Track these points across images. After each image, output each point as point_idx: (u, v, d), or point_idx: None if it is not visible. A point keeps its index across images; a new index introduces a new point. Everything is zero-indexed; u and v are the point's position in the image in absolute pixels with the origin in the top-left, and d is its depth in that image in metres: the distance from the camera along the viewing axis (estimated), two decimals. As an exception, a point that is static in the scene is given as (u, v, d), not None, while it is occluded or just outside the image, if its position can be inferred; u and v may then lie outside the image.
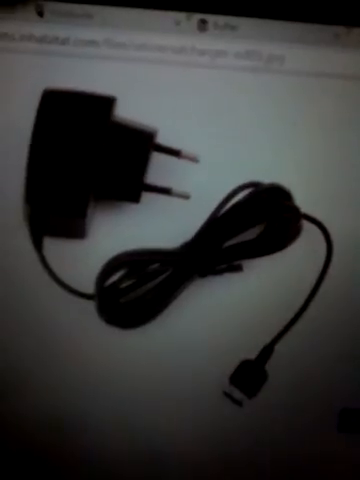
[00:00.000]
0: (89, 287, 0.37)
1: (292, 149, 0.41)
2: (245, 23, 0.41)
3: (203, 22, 0.41)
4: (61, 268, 0.38)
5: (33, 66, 0.41)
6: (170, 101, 0.41)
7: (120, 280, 0.38)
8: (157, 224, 0.40)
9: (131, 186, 0.39)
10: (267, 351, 0.38)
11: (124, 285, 0.38)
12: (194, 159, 0.39)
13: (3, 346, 0.39)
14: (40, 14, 0.41)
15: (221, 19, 0.41)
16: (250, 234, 0.38)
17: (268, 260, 0.38)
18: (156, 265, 0.38)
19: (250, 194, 0.39)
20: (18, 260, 0.39)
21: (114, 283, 0.37)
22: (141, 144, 0.38)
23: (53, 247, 0.39)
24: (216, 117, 0.41)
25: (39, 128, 0.38)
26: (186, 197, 0.39)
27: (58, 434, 0.39)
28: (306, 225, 0.38)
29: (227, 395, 0.38)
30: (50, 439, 0.39)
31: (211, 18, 0.41)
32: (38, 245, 0.38)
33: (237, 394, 0.38)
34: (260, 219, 0.38)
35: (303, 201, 0.38)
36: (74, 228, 0.39)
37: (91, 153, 0.37)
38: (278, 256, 0.38)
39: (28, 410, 0.39)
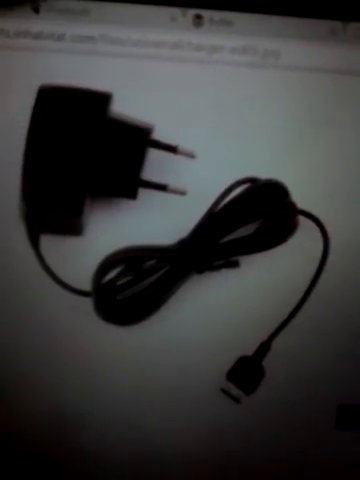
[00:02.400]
0: (86, 284, 0.37)
1: (288, 144, 0.41)
2: (241, 18, 0.41)
3: (199, 17, 0.41)
4: (58, 265, 0.38)
5: (29, 62, 0.41)
6: (166, 97, 0.41)
7: (117, 277, 0.37)
8: (154, 220, 0.40)
9: (127, 182, 0.39)
10: (264, 347, 0.38)
11: (121, 282, 0.38)
12: (190, 155, 0.39)
13: (1, 343, 0.39)
14: (36, 10, 0.41)
15: (217, 14, 0.41)
16: (247, 230, 0.38)
17: (265, 256, 0.38)
18: (153, 262, 0.38)
19: (247, 190, 0.39)
20: (15, 258, 0.39)
21: (111, 280, 0.37)
22: (137, 140, 0.38)
23: (50, 244, 0.39)
24: (212, 112, 0.41)
25: (35, 125, 0.38)
26: (183, 193, 0.39)
27: (56, 433, 0.39)
28: (303, 221, 0.38)
29: (224, 392, 0.38)
30: (49, 437, 0.39)
31: (207, 13, 0.41)
32: (35, 242, 0.38)
33: (234, 390, 0.38)
34: (257, 215, 0.38)
35: (300, 197, 0.38)
36: (71, 225, 0.39)
37: (87, 149, 0.37)
38: (275, 252, 0.38)
39: (26, 408, 0.39)
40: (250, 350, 0.39)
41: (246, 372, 0.38)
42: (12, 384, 0.39)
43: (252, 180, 0.39)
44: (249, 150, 0.41)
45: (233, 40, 0.41)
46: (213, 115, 0.41)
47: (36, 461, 0.39)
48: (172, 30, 0.41)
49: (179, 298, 0.39)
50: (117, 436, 0.39)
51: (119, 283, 0.38)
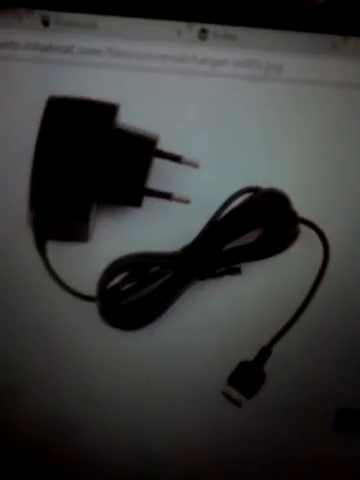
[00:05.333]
0: (91, 290, 0.37)
1: (290, 155, 0.41)
2: (244, 32, 0.41)
3: (203, 31, 0.41)
4: (64, 271, 0.38)
5: (38, 74, 0.41)
6: (171, 108, 0.41)
7: (121, 283, 0.38)
8: (158, 228, 0.40)
9: (133, 191, 0.39)
10: (265, 352, 0.39)
11: (125, 288, 0.38)
12: (194, 165, 0.39)
13: (6, 347, 0.39)
14: (45, 23, 0.41)
15: (221, 29, 0.41)
16: (248, 238, 0.39)
17: (266, 263, 0.39)
18: (157, 268, 0.38)
19: (249, 199, 0.39)
20: (21, 263, 0.40)
21: (116, 286, 0.38)
22: (143, 150, 0.39)
23: (56, 250, 0.39)
24: (216, 124, 0.42)
25: (44, 134, 0.38)
26: (186, 202, 0.39)
27: (58, 435, 0.39)
28: (303, 229, 0.39)
29: (226, 396, 0.38)
30: (50, 440, 0.39)
31: (211, 28, 0.41)
32: (41, 248, 0.39)
33: (236, 395, 0.38)
34: (258, 223, 0.39)
35: (301, 206, 0.39)
36: (77, 232, 0.39)
37: (94, 159, 0.38)
38: (276, 259, 0.38)
39: (29, 412, 0.39)
40: (251, 355, 0.39)
41: (247, 376, 0.39)
42: (15, 388, 0.39)
43: (254, 189, 0.39)
44: (251, 160, 0.41)
45: (237, 53, 0.42)
46: (216, 126, 0.42)
47: (37, 465, 0.39)
48: (177, 43, 0.41)
49: (182, 304, 0.39)
50: (118, 439, 0.39)
51: (123, 289, 0.38)
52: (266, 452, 0.39)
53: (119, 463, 0.39)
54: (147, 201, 0.39)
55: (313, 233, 0.39)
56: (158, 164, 0.40)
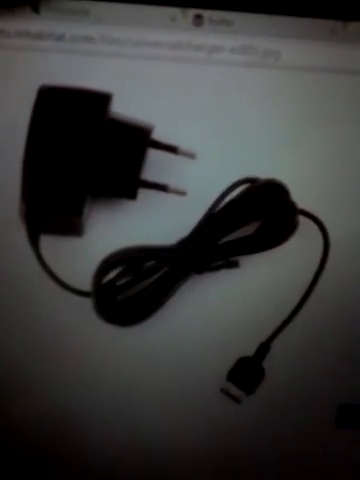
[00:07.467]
0: (86, 284, 0.37)
1: (288, 144, 0.41)
2: (241, 18, 0.41)
3: (198, 17, 0.41)
4: (58, 266, 0.38)
5: (29, 63, 0.41)
6: (166, 97, 0.41)
7: (117, 277, 0.38)
8: (154, 221, 0.40)
9: (128, 183, 0.39)
10: (264, 348, 0.39)
11: (121, 282, 0.38)
12: (191, 155, 0.39)
13: (2, 342, 0.39)
14: (36, 10, 0.41)
15: (216, 14, 0.41)
16: (247, 230, 0.38)
17: (265, 256, 0.38)
18: (153, 262, 0.38)
19: (246, 190, 0.39)
20: (15, 258, 0.39)
21: (111, 280, 0.37)
22: (137, 140, 0.38)
23: (50, 245, 0.39)
24: (212, 112, 0.41)
25: (35, 125, 0.38)
26: (183, 193, 0.39)
27: (57, 432, 0.39)
28: (303, 221, 0.39)
29: (225, 392, 0.38)
30: (49, 437, 0.39)
31: (206, 13, 0.41)
32: (35, 243, 0.38)
33: (235, 391, 0.38)
34: (257, 215, 0.38)
35: (300, 197, 0.38)
36: (71, 225, 0.39)
37: (87, 150, 0.37)
38: (275, 252, 0.38)
39: (26, 408, 0.39)
40: (250, 350, 0.39)
41: (246, 372, 0.38)
42: (12, 385, 0.39)
43: (252, 180, 0.39)
44: (249, 150, 0.41)
45: (233, 40, 0.41)
46: (213, 115, 0.41)
47: (37, 462, 0.39)
48: (172, 30, 0.41)
49: (179, 298, 0.39)
50: (117, 436, 0.39)
51: (119, 283, 0.38)
52: (266, 449, 0.39)
53: (118, 459, 0.39)
54: (142, 193, 0.39)
55: (313, 225, 0.39)
56: (153, 155, 0.39)
